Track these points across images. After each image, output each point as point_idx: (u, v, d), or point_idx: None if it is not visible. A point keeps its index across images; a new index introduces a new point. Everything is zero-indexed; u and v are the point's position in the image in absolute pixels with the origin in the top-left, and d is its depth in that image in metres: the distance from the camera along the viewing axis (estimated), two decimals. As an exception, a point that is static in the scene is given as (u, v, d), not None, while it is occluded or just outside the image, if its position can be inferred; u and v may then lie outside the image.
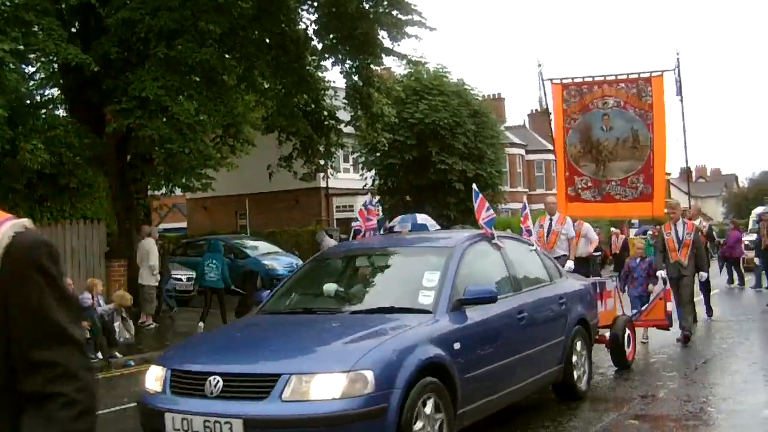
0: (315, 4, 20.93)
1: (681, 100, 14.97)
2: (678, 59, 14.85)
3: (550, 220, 13.73)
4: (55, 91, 22.28)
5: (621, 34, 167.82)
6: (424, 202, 29.92)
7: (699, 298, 15.66)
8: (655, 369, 10.99)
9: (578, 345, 9.10)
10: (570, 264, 12.96)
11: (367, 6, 20.01)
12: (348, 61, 21.86)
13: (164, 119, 17.28)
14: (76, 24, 19.26)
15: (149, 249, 17.76)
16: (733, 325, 15.16)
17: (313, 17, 21.55)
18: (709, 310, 16.13)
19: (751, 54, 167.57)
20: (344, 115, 23.98)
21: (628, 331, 11.05)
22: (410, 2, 20.32)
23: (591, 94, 15.39)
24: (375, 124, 23.01)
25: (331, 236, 24.68)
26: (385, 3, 19.98)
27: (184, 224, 43.75)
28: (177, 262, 23.93)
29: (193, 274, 21.28)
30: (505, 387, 7.60)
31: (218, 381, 6.06)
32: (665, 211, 14.25)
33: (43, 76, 22.01)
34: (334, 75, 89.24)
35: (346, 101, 23.10)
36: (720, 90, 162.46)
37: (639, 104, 14.93)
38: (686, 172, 18.30)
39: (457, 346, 6.76)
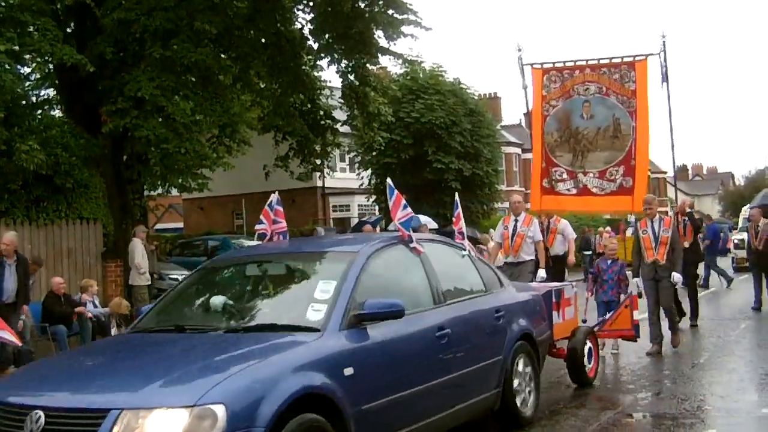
0: (310, 3, 20.91)
1: (666, 87, 14.17)
2: (663, 43, 14.25)
3: (515, 220, 12.67)
4: (51, 92, 22.28)
5: (607, 18, 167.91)
6: (421, 201, 29.95)
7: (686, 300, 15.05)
8: (652, 367, 11.00)
9: (521, 365, 7.94)
10: (542, 273, 12.35)
11: (362, 5, 19.99)
12: (344, 61, 21.86)
13: (160, 119, 17.26)
14: (72, 24, 19.23)
15: (133, 249, 17.71)
16: (729, 323, 15.17)
17: (309, 17, 21.53)
18: (693, 316, 15.15)
19: (745, 44, 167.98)
20: (340, 114, 23.99)
21: (589, 344, 9.98)
22: (406, 1, 20.32)
23: (572, 80, 14.62)
24: (371, 124, 23.02)
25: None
26: (381, 2, 19.98)
27: (180, 224, 43.76)
28: (174, 263, 23.95)
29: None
30: (420, 419, 6.43)
31: (40, 417, 4.97)
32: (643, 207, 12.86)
33: (38, 76, 22.00)
34: (330, 74, 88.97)
35: (342, 101, 23.09)
36: (719, 88, 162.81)
37: (621, 90, 14.16)
38: (673, 165, 16.59)
39: (348, 371, 5.63)
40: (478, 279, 8.18)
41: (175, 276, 21.80)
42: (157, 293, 20.10)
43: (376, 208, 33.94)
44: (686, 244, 14.16)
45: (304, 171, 24.25)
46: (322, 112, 23.09)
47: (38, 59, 18.41)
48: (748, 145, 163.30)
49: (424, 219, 26.16)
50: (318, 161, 24.26)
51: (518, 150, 52.48)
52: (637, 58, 14.26)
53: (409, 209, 7.57)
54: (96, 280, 16.18)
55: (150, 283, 18.29)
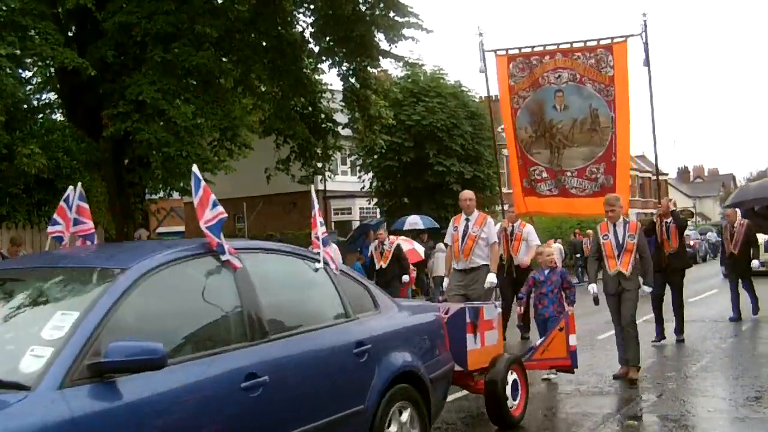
0: (311, 7, 20.96)
1: (648, 70, 12.56)
2: (645, 23, 12.73)
3: (467, 220, 11.18)
4: (52, 96, 22.33)
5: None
6: (422, 204, 29.95)
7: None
8: (653, 370, 10.98)
9: (402, 416, 6.07)
10: (492, 278, 10.89)
11: (363, 8, 20.05)
12: (345, 64, 21.90)
13: (161, 123, 17.29)
14: (73, 28, 19.29)
15: None
16: (730, 324, 15.13)
17: (310, 20, 21.61)
18: (679, 330, 13.37)
19: (745, 46, 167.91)
20: (341, 117, 24.02)
21: (514, 376, 8.14)
22: (406, 4, 20.36)
23: (542, 66, 13.03)
24: (372, 127, 23.07)
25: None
26: (382, 5, 20.03)
27: (182, 228, 43.69)
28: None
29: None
30: None
31: None
32: (605, 208, 10.74)
33: (39, 80, 22.04)
34: (331, 78, 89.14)
35: (343, 104, 23.14)
36: (720, 90, 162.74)
37: (598, 77, 12.60)
38: (655, 157, 14.71)
39: None
40: (337, 301, 6.09)
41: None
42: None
43: (378, 211, 33.92)
44: (671, 249, 12.96)
45: (305, 174, 24.28)
46: (323, 115, 23.13)
47: (39, 63, 18.44)
48: (749, 146, 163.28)
49: (412, 219, 26.18)
50: (319, 164, 24.29)
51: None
52: (615, 40, 12.74)
53: (220, 208, 5.41)
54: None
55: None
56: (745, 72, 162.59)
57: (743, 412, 8.20)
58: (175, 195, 26.06)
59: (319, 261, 6.04)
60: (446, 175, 30.29)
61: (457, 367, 7.53)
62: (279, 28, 20.36)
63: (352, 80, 22.15)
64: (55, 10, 17.80)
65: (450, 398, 9.20)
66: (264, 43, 20.84)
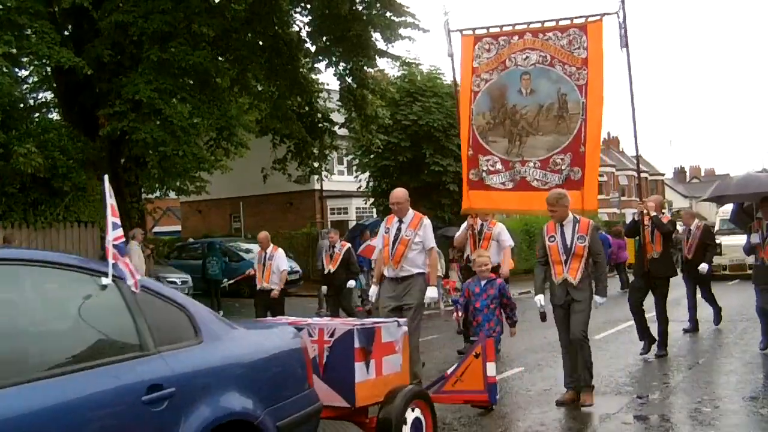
0: (308, 6, 20.96)
1: (626, 52, 11.18)
2: (622, 0, 11.22)
3: (399, 222, 9.92)
4: (49, 95, 22.33)
5: None
6: (419, 203, 29.94)
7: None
8: (650, 369, 10.98)
9: None
10: (431, 292, 9.75)
11: (360, 8, 20.06)
12: (341, 63, 21.91)
13: (158, 122, 17.29)
14: (69, 27, 19.28)
15: (130, 252, 17.84)
16: (727, 324, 15.14)
17: (306, 19, 21.62)
18: (662, 345, 11.97)
19: (744, 46, 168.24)
20: (338, 117, 24.04)
21: (416, 413, 6.72)
22: (403, 4, 20.36)
23: (509, 47, 11.87)
24: (369, 126, 23.07)
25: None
26: (378, 5, 20.03)
27: (178, 227, 43.73)
28: (172, 266, 23.96)
29: (188, 278, 21.69)
30: None
31: None
32: (549, 207, 9.33)
33: (36, 79, 22.04)
34: (327, 77, 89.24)
35: (339, 103, 23.16)
36: (717, 91, 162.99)
37: (569, 59, 11.44)
38: (635, 146, 12.95)
39: None
40: (130, 329, 4.59)
41: (172, 279, 21.80)
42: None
43: (374, 211, 33.93)
44: (655, 254, 11.77)
45: (302, 174, 24.29)
46: (319, 115, 23.15)
47: (36, 62, 18.44)
48: (746, 146, 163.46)
49: None
50: (316, 164, 24.31)
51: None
52: (589, 19, 11.58)
53: None
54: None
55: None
56: (742, 71, 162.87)
57: (740, 412, 8.20)
58: (172, 194, 26.05)
59: (107, 277, 4.57)
60: (443, 175, 30.27)
61: (344, 403, 6.43)
62: (276, 27, 20.37)
63: (349, 80, 22.16)
64: (51, 8, 17.78)
65: (446, 398, 9.21)
66: (260, 43, 20.85)
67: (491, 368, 7.81)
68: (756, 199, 11.78)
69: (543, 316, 9.23)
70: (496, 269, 11.75)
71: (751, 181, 12.11)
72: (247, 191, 34.61)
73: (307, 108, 22.97)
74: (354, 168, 34.20)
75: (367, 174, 32.71)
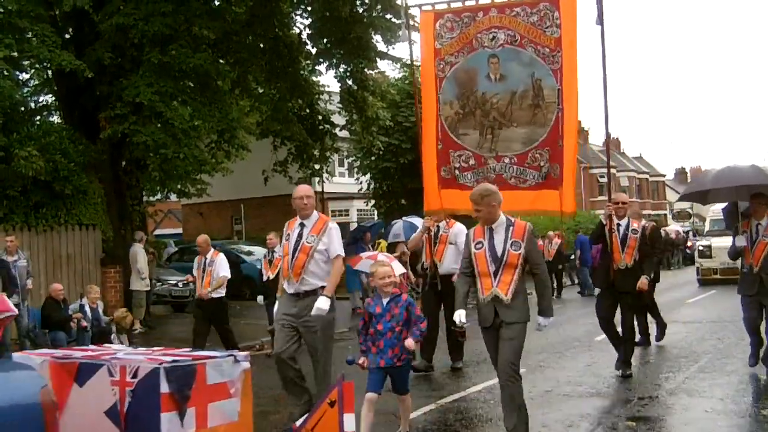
0: (308, 8, 20.99)
1: (602, 31, 9.92)
2: None
3: (301, 226, 8.46)
4: (50, 98, 22.36)
5: None
6: (419, 205, 29.89)
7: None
8: (651, 370, 10.98)
9: None
10: (322, 303, 7.99)
11: (360, 10, 20.07)
12: (342, 65, 21.92)
13: (159, 125, 17.29)
14: (70, 30, 19.29)
15: (135, 254, 17.94)
16: (728, 325, 15.14)
17: (307, 21, 21.64)
18: (624, 363, 10.53)
19: (742, 46, 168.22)
20: (339, 119, 24.05)
21: None
22: (403, 5, 20.37)
23: (475, 25, 10.39)
24: (370, 128, 23.11)
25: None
26: (379, 7, 20.04)
27: (179, 230, 43.75)
28: (172, 268, 23.97)
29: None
30: None
31: None
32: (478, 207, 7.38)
33: (37, 82, 22.07)
34: (328, 79, 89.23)
35: (340, 105, 23.18)
36: (717, 90, 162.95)
37: (541, 39, 9.99)
38: (606, 135, 11.06)
39: None
40: None
41: (173, 281, 21.84)
42: (155, 299, 20.19)
43: (375, 212, 33.94)
44: (623, 265, 10.35)
45: (303, 176, 24.31)
46: (320, 117, 23.17)
47: (37, 65, 18.48)
48: (747, 147, 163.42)
49: (395, 230, 25.90)
50: (317, 166, 24.33)
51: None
52: None
53: None
54: (95, 285, 16.19)
55: (149, 288, 18.35)
56: (743, 71, 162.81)
57: (741, 413, 8.20)
58: (173, 197, 26.09)
59: None
60: (444, 177, 30.30)
61: None
62: (276, 29, 20.39)
63: (350, 82, 22.18)
64: (52, 12, 17.80)
65: (449, 399, 9.25)
66: (261, 45, 20.87)
67: (349, 421, 5.98)
68: (740, 195, 10.39)
69: (462, 334, 7.99)
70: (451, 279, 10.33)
71: (730, 174, 10.45)
72: (248, 193, 34.62)
73: (307, 110, 23.00)
74: (355, 170, 34.22)
75: (368, 176, 32.73)
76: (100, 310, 14.57)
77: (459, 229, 11.14)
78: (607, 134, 11.11)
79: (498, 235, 7.14)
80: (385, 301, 7.39)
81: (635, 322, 11.56)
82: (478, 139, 10.48)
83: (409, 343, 7.20)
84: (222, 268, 13.22)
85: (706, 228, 26.75)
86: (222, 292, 13.23)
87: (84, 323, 13.52)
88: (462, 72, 10.55)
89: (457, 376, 11.03)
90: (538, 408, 8.84)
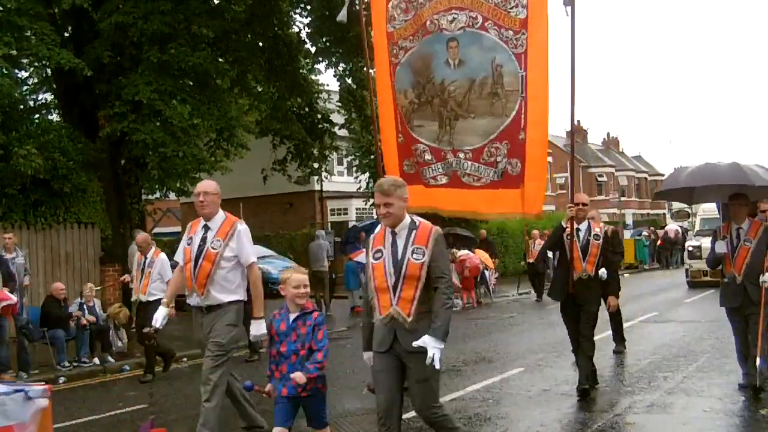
0: (308, 7, 20.99)
1: (572, 13, 8.85)
2: None
3: (205, 228, 7.41)
4: (49, 96, 22.32)
5: None
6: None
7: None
8: (650, 370, 10.99)
9: None
10: (258, 329, 7.13)
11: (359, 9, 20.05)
12: (341, 64, 21.93)
13: (158, 123, 17.30)
14: (69, 28, 19.29)
15: (134, 253, 17.90)
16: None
17: (306, 20, 21.65)
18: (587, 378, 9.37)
19: (740, 46, 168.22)
20: (338, 118, 24.05)
21: None
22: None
23: (431, 6, 9.38)
24: (369, 127, 23.08)
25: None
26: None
27: (178, 228, 43.70)
28: (172, 266, 23.97)
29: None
30: None
31: None
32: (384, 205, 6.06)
33: (36, 80, 22.05)
34: (327, 78, 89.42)
35: (339, 104, 23.18)
36: (717, 89, 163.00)
37: (505, 20, 8.95)
38: (571, 126, 10.65)
39: None
40: None
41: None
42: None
43: (374, 212, 33.96)
44: (584, 274, 9.25)
45: (301, 175, 24.31)
46: (319, 116, 23.17)
47: (36, 63, 18.46)
48: (746, 146, 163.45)
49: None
50: (316, 165, 24.34)
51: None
52: None
53: None
54: (94, 284, 16.19)
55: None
56: (742, 69, 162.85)
57: (740, 412, 8.21)
58: (172, 196, 26.06)
59: None
60: (443, 176, 30.30)
61: None
62: (275, 28, 20.41)
63: (349, 80, 22.19)
64: (51, 10, 17.80)
65: (447, 398, 9.26)
66: (260, 44, 20.88)
67: None
68: (723, 196, 9.45)
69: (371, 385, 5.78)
70: None
71: (707, 172, 9.19)
72: (247, 192, 34.61)
73: (306, 109, 23.01)
74: (354, 169, 34.22)
75: (366, 174, 32.70)
76: (98, 308, 14.55)
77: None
78: (572, 125, 10.06)
79: (400, 240, 5.80)
80: (292, 317, 6.12)
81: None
82: (437, 131, 9.48)
83: (297, 376, 5.84)
84: (166, 269, 11.96)
85: (696, 227, 25.44)
86: (160, 295, 11.36)
87: (84, 321, 13.51)
88: (417, 57, 9.52)
89: (456, 375, 11.03)
90: (536, 407, 8.86)
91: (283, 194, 34.64)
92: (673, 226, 41.66)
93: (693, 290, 22.26)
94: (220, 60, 20.06)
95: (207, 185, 7.42)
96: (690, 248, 23.66)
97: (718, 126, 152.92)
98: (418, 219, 5.94)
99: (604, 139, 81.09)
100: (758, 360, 8.69)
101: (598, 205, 62.61)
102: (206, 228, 7.29)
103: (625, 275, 35.16)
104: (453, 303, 5.77)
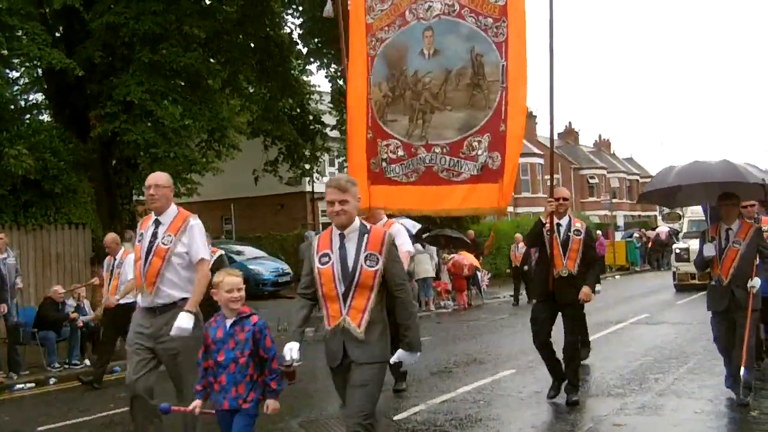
0: (299, 8, 20.99)
1: (551, 2, 8.60)
2: None
3: (156, 223, 6.86)
4: (40, 96, 22.29)
5: None
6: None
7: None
8: (642, 371, 11.00)
9: None
10: (184, 321, 6.39)
11: (351, 10, 20.07)
12: (333, 65, 21.94)
13: (149, 124, 17.28)
14: (60, 28, 19.26)
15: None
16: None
17: (298, 21, 21.67)
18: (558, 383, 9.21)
19: (738, 46, 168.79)
20: (330, 119, 24.05)
21: None
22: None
23: None
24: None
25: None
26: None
27: (169, 229, 43.74)
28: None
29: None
30: None
31: None
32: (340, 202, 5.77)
33: (27, 80, 21.99)
34: (319, 79, 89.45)
35: (331, 105, 23.19)
36: (717, 87, 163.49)
37: (483, 6, 8.58)
38: (550, 123, 9.00)
39: None
40: None
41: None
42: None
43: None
44: (564, 272, 8.83)
45: (293, 176, 24.31)
46: (311, 117, 23.19)
47: (26, 63, 18.40)
48: (737, 147, 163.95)
49: (410, 223, 25.91)
50: (307, 166, 24.34)
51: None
52: None
53: None
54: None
55: (139, 287, 18.30)
56: (734, 73, 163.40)
57: (730, 414, 8.23)
58: (163, 196, 26.09)
59: None
60: (435, 176, 30.29)
61: None
62: (267, 29, 20.42)
63: (341, 82, 22.17)
64: (42, 10, 17.77)
65: (438, 400, 9.25)
66: (252, 45, 20.88)
67: None
68: (711, 196, 9.00)
69: (291, 375, 5.42)
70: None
71: (697, 170, 8.75)
72: (239, 193, 34.58)
73: (298, 110, 23.02)
74: (345, 170, 34.26)
75: (358, 176, 32.74)
76: (87, 309, 14.52)
77: (397, 230, 9.34)
78: (552, 119, 8.96)
79: (350, 245, 5.39)
80: (228, 322, 5.63)
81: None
82: (407, 125, 8.97)
83: (271, 405, 5.48)
84: (130, 270, 10.89)
85: (684, 229, 24.69)
86: (132, 299, 10.20)
87: (80, 323, 13.47)
88: (392, 48, 9.06)
89: (447, 377, 11.03)
90: (527, 409, 8.86)
91: (275, 195, 34.60)
92: (664, 228, 41.75)
93: (684, 292, 22.26)
94: (212, 60, 20.05)
95: (158, 177, 6.97)
96: (677, 250, 23.14)
97: (709, 128, 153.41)
98: (368, 223, 5.61)
99: (596, 141, 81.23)
100: (742, 370, 8.30)
101: (590, 207, 62.72)
102: (157, 223, 6.83)
103: (616, 277, 35.29)
104: (416, 310, 5.34)
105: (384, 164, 9.08)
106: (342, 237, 5.39)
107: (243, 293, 5.68)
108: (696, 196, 9.74)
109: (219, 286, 5.65)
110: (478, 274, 22.90)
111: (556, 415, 8.59)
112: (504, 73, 8.45)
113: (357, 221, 5.44)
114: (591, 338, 13.32)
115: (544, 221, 8.91)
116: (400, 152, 8.98)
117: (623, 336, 13.73)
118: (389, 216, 9.89)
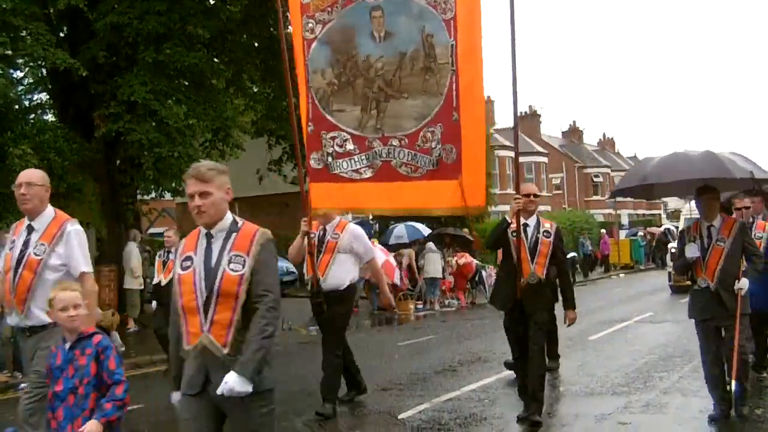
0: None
1: None
2: None
3: (29, 230, 6.23)
4: (44, 96, 22.28)
5: None
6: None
7: None
8: (646, 370, 11.00)
9: None
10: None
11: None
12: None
13: (153, 123, 17.27)
14: (64, 28, 19.26)
15: (129, 253, 17.92)
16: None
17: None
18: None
19: (739, 45, 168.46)
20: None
21: None
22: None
23: None
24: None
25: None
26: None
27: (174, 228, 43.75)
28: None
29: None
30: None
31: None
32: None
33: (31, 80, 21.98)
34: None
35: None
36: (717, 87, 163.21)
37: None
38: (514, 113, 7.92)
39: None
40: None
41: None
42: (149, 298, 20.15)
43: (370, 213, 33.94)
44: (532, 279, 7.90)
45: (297, 175, 24.29)
46: (314, 116, 23.13)
47: (31, 63, 18.40)
48: (741, 146, 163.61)
49: (398, 232, 25.75)
50: (311, 165, 24.30)
51: (511, 153, 52.53)
52: None
53: None
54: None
55: (143, 287, 18.32)
56: (737, 72, 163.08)
57: (735, 413, 8.22)
58: (167, 196, 26.06)
59: None
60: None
61: None
62: (271, 28, 20.38)
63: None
64: (46, 10, 17.77)
65: (443, 398, 9.27)
66: (256, 44, 20.87)
67: None
68: (683, 187, 8.41)
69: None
70: (348, 297, 8.55)
71: (676, 163, 7.90)
72: (243, 192, 34.48)
73: (303, 109, 23.03)
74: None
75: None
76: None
77: (353, 233, 8.75)
78: (515, 113, 8.01)
79: (216, 245, 4.54)
80: (67, 346, 4.80)
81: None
82: (359, 116, 8.08)
83: (88, 429, 4.56)
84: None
85: (681, 226, 22.60)
86: None
87: None
88: (336, 32, 8.13)
89: (452, 375, 11.04)
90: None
91: (279, 194, 34.61)
92: (669, 227, 41.73)
93: (684, 293, 22.19)
94: (216, 60, 20.04)
95: (30, 174, 6.11)
96: (672, 250, 22.29)
97: (713, 127, 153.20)
98: (241, 219, 4.72)
99: (600, 139, 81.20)
100: (733, 383, 7.66)
101: (594, 206, 62.58)
102: (30, 229, 5.93)
103: (621, 275, 35.29)
104: (274, 330, 4.36)
105: (329, 159, 8.31)
106: (209, 237, 4.54)
107: (82, 310, 4.82)
108: (672, 188, 8.88)
109: (52, 305, 4.82)
110: (484, 272, 22.89)
111: (559, 413, 8.59)
112: (453, 54, 7.59)
113: (228, 218, 4.63)
114: (593, 337, 13.34)
115: (509, 220, 7.96)
116: (349, 146, 8.12)
117: (627, 334, 13.72)
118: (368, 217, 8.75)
